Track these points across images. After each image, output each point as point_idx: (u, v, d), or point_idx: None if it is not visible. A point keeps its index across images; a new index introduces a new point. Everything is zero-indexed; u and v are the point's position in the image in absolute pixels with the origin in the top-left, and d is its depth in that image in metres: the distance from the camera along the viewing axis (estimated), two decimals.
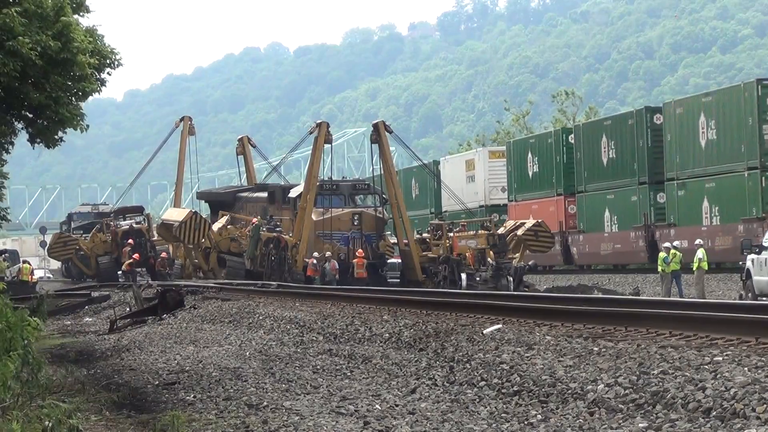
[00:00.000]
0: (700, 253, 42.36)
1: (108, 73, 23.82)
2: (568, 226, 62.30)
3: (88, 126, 24.01)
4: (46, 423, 12.00)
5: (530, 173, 66.78)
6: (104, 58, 23.37)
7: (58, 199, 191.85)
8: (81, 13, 23.38)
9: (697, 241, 44.83)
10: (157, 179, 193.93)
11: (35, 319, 16.42)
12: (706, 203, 50.88)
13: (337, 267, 53.14)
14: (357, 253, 53.55)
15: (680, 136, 52.63)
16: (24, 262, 68.83)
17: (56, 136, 23.70)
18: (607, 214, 58.60)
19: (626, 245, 56.17)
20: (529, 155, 66.91)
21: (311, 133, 57.85)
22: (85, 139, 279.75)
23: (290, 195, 59.56)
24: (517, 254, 51.51)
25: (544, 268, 64.34)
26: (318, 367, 18.19)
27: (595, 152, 59.59)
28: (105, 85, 23.94)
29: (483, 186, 72.33)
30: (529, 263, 53.44)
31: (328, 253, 53.48)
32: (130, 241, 64.47)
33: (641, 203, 55.65)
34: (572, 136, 63.22)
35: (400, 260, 56.28)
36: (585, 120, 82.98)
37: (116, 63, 23.72)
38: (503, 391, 13.96)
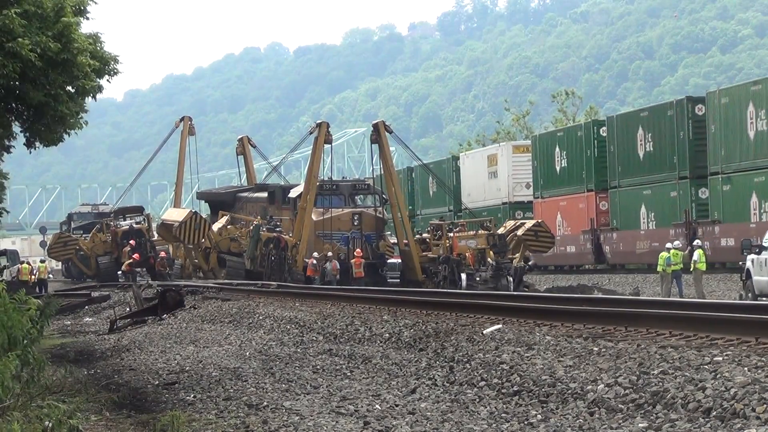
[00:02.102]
0: (696, 254, 42.34)
1: (107, 80, 23.85)
2: (600, 224, 59.56)
3: (86, 122, 24.01)
4: (46, 423, 12.00)
5: (558, 168, 63.89)
6: (105, 65, 23.38)
7: (58, 199, 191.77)
8: (82, 18, 23.38)
9: (696, 242, 44.71)
10: (157, 179, 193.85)
11: (35, 301, 16.39)
12: (755, 198, 47.90)
13: (338, 267, 53.17)
14: (355, 253, 53.56)
15: (726, 128, 49.48)
16: (23, 262, 69.02)
17: (56, 136, 23.67)
18: (643, 210, 55.67)
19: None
20: (557, 149, 63.99)
21: (311, 133, 57.87)
22: (85, 139, 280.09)
23: (290, 195, 59.56)
24: (517, 254, 51.46)
25: (570, 268, 62.35)
26: (318, 367, 18.18)
27: (630, 145, 56.66)
28: (102, 91, 23.97)
29: (506, 182, 69.39)
30: (529, 263, 53.37)
31: (329, 253, 53.49)
32: (132, 241, 64.50)
33: (681, 199, 52.78)
34: (604, 128, 60.30)
35: (400, 260, 56.27)
36: (585, 120, 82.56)
37: (114, 71, 23.73)
38: (503, 391, 13.96)
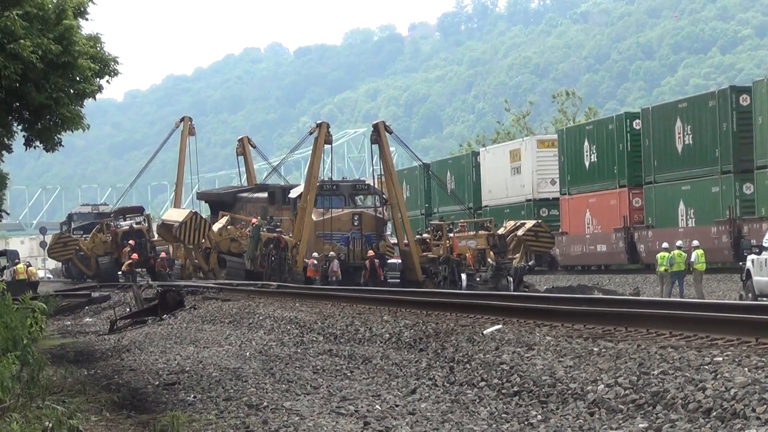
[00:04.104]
0: (695, 255, 42.32)
1: (108, 81, 23.87)
2: (633, 221, 56.48)
3: (89, 125, 24.03)
4: (46, 423, 12.01)
5: (587, 164, 61.01)
6: (105, 66, 23.40)
7: (58, 199, 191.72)
8: (83, 18, 23.40)
9: (694, 243, 44.66)
10: (157, 180, 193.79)
11: (41, 304, 16.41)
12: None
13: (338, 268, 53.10)
14: (368, 254, 53.36)
15: None
16: (18, 262, 68.93)
17: (56, 139, 23.69)
18: (681, 207, 52.64)
19: (707, 241, 48.26)
20: (586, 144, 61.06)
21: (311, 133, 57.88)
22: (86, 140, 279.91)
23: (290, 195, 59.56)
24: (518, 254, 51.51)
25: (598, 268, 60.19)
26: (318, 367, 18.19)
27: (667, 138, 53.55)
28: (101, 91, 23.99)
29: (530, 178, 66.68)
30: (529, 263, 53.38)
31: (331, 253, 53.47)
32: (132, 241, 64.49)
33: (724, 195, 49.72)
34: (637, 121, 57.10)
35: (400, 261, 56.28)
36: (585, 120, 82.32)
37: (114, 72, 23.75)
38: (503, 391, 13.96)
